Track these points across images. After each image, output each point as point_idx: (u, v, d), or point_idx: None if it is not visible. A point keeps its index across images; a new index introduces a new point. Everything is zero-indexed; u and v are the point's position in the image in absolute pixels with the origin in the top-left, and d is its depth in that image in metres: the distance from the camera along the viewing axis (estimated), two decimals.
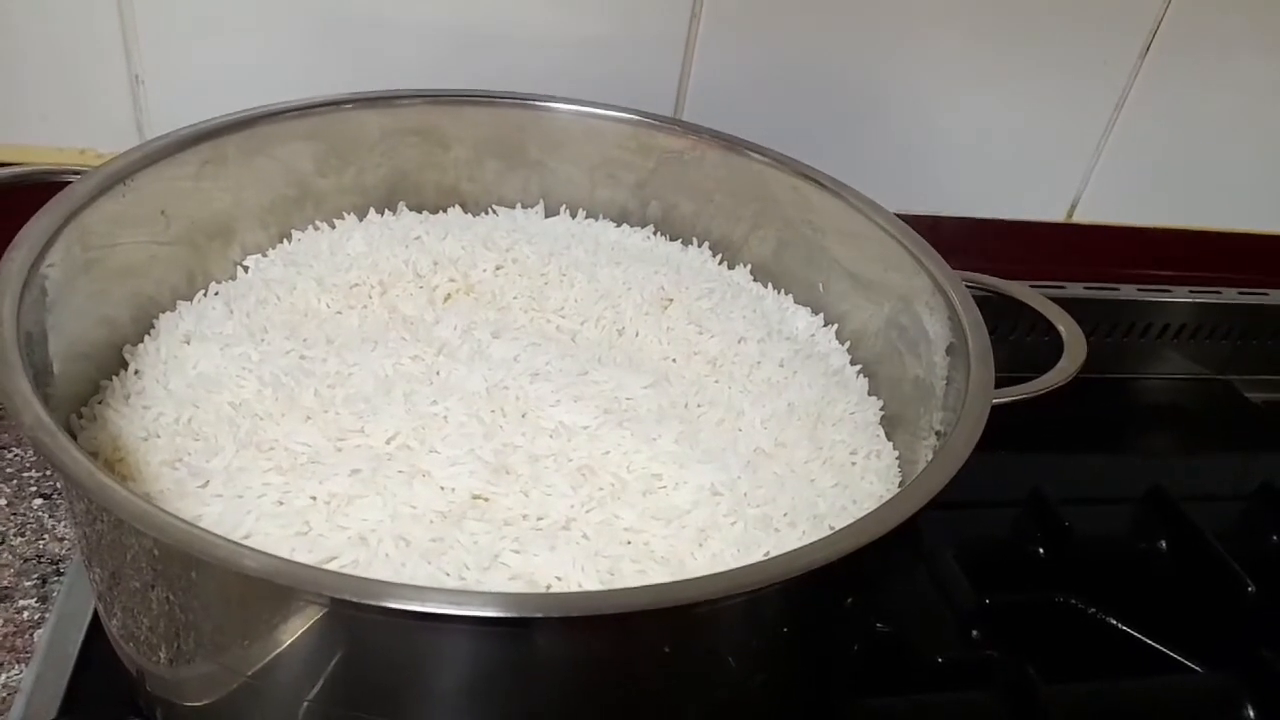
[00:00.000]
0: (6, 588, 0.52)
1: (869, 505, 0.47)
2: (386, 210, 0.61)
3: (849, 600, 0.42)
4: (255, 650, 0.35)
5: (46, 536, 0.55)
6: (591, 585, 0.39)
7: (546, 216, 0.64)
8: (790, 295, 0.62)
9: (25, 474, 0.59)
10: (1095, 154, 0.80)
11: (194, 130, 0.51)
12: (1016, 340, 0.76)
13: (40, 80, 0.63)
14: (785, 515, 0.44)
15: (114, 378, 0.47)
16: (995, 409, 0.44)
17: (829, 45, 0.71)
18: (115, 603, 0.40)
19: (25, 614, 0.51)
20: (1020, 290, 0.57)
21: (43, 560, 0.54)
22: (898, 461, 0.51)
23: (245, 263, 0.55)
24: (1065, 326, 0.54)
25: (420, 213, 0.61)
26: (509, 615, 0.31)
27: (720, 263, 0.63)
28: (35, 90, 0.63)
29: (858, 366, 0.57)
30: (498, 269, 0.56)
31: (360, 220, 0.59)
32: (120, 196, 0.47)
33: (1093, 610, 0.60)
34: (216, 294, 0.53)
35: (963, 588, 0.59)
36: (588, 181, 0.64)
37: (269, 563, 0.32)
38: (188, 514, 0.39)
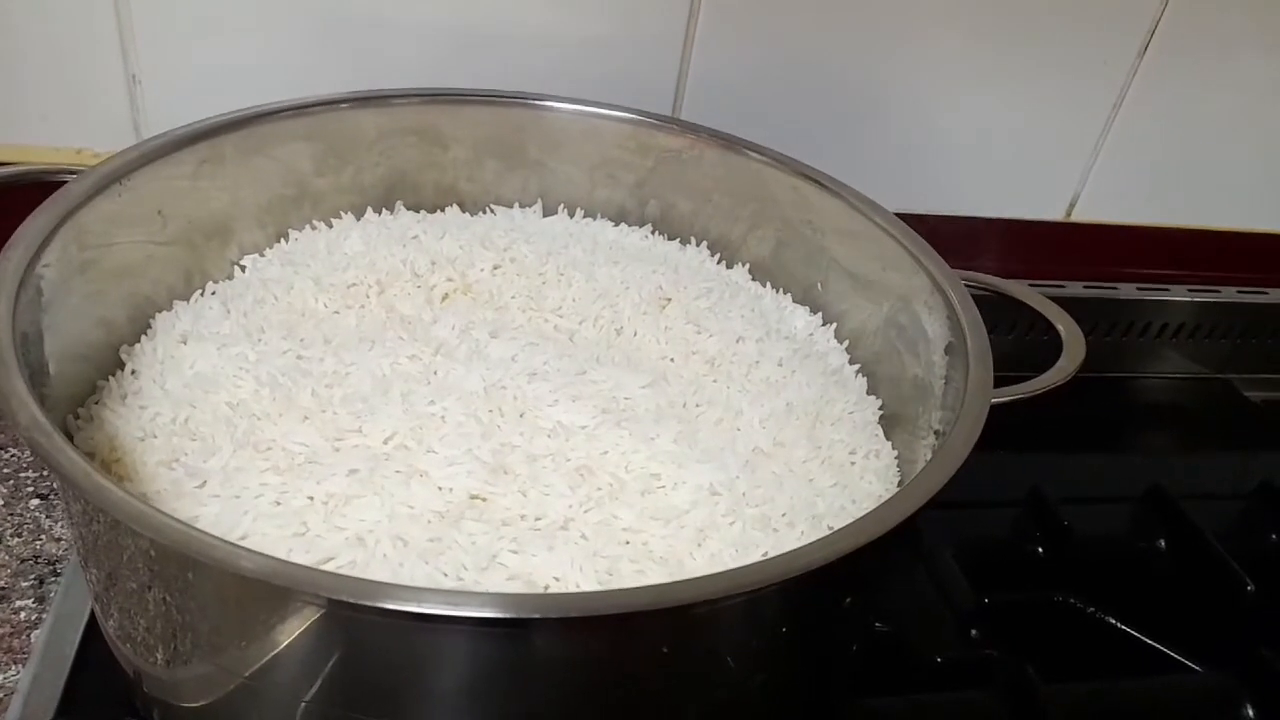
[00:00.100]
0: (3, 588, 0.52)
1: (868, 505, 0.47)
2: (384, 210, 0.61)
3: (848, 600, 0.42)
4: (252, 651, 0.35)
5: (43, 537, 0.55)
6: (590, 586, 0.39)
7: (544, 216, 0.64)
8: (789, 294, 0.62)
9: (22, 474, 0.59)
10: (1094, 153, 0.80)
11: (191, 130, 0.51)
12: (1015, 339, 0.76)
13: (37, 79, 0.62)
14: (784, 515, 0.44)
15: (111, 378, 0.47)
16: (994, 408, 0.44)
17: (828, 45, 0.71)
18: (112, 603, 0.40)
19: (22, 615, 0.51)
20: (1019, 289, 0.57)
21: (40, 561, 0.54)
22: (896, 461, 0.51)
23: (242, 262, 0.55)
24: (1064, 325, 0.54)
25: (418, 212, 0.61)
26: (507, 616, 0.31)
27: (719, 262, 0.63)
28: (32, 89, 0.63)
29: (856, 366, 0.57)
30: (495, 268, 0.56)
31: (358, 220, 0.59)
32: (117, 196, 0.47)
33: (1092, 610, 0.60)
34: (213, 294, 0.53)
35: (962, 587, 0.59)
36: (586, 181, 0.64)
37: (266, 563, 0.32)
38: (184, 514, 0.39)
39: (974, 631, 0.58)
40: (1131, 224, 0.84)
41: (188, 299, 0.52)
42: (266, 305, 0.52)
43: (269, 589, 0.32)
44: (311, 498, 0.41)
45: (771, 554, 0.40)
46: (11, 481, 0.58)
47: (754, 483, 0.45)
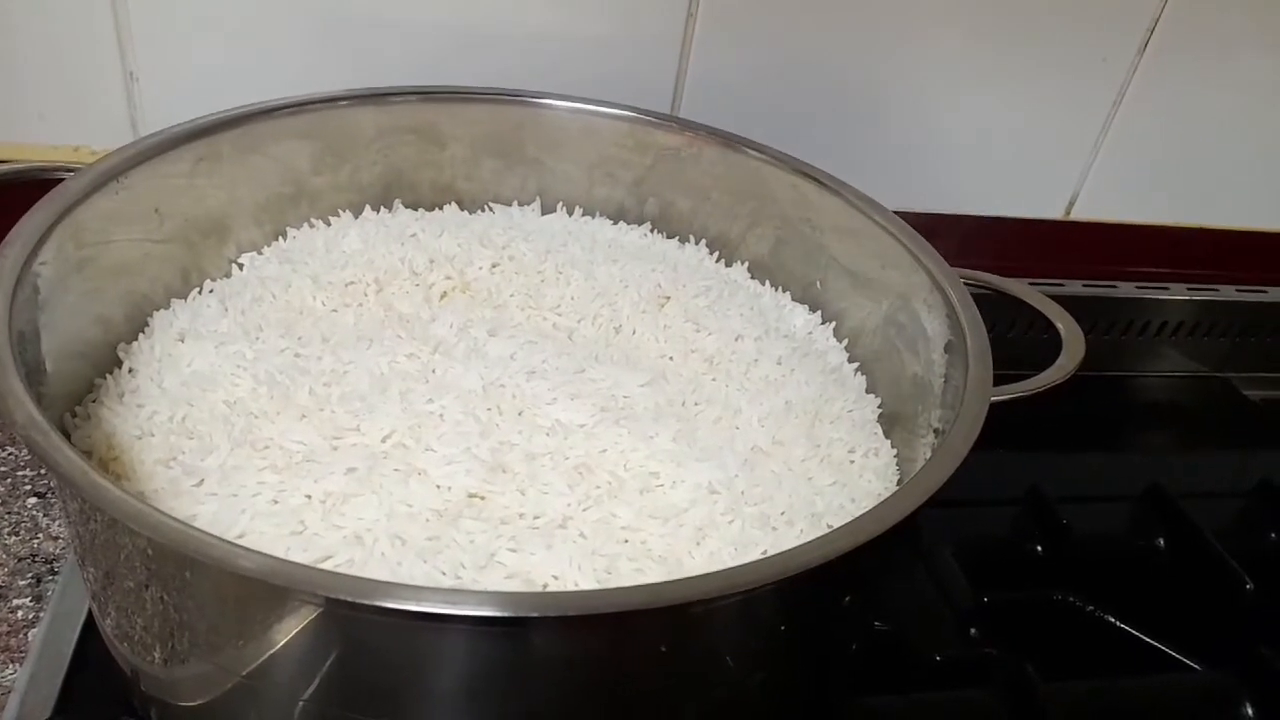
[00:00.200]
0: (1, 587, 0.52)
1: (867, 503, 0.47)
2: (382, 208, 0.60)
3: (847, 599, 0.42)
4: (250, 650, 0.35)
5: (41, 535, 0.55)
6: (588, 584, 0.39)
7: (543, 214, 0.64)
8: (788, 293, 0.62)
9: (19, 473, 0.59)
10: (1093, 152, 0.80)
11: (188, 127, 0.51)
12: (1015, 338, 0.76)
13: (35, 77, 0.62)
14: (783, 514, 0.44)
15: (108, 376, 0.47)
16: (993, 407, 0.44)
17: (827, 44, 0.71)
18: (110, 602, 0.40)
19: (19, 613, 0.51)
20: (1018, 288, 0.57)
21: (37, 559, 0.54)
22: (896, 459, 0.51)
23: (240, 260, 0.55)
24: (1064, 324, 0.54)
25: (416, 210, 0.61)
26: (505, 615, 0.31)
27: (718, 260, 0.63)
28: (30, 87, 0.63)
29: (855, 364, 0.57)
30: (494, 267, 0.56)
31: (356, 218, 0.59)
32: (114, 194, 0.47)
33: (1091, 608, 0.60)
34: (211, 292, 0.53)
35: (961, 586, 0.59)
36: (585, 179, 0.63)
37: (264, 562, 0.31)
38: (182, 513, 0.39)
39: (973, 630, 0.58)
40: (1131, 222, 0.84)
41: (185, 297, 0.52)
42: (264, 303, 0.52)
43: (267, 588, 0.32)
44: (309, 496, 0.41)
45: (770, 552, 0.40)
46: (9, 480, 0.58)
47: (753, 481, 0.45)
